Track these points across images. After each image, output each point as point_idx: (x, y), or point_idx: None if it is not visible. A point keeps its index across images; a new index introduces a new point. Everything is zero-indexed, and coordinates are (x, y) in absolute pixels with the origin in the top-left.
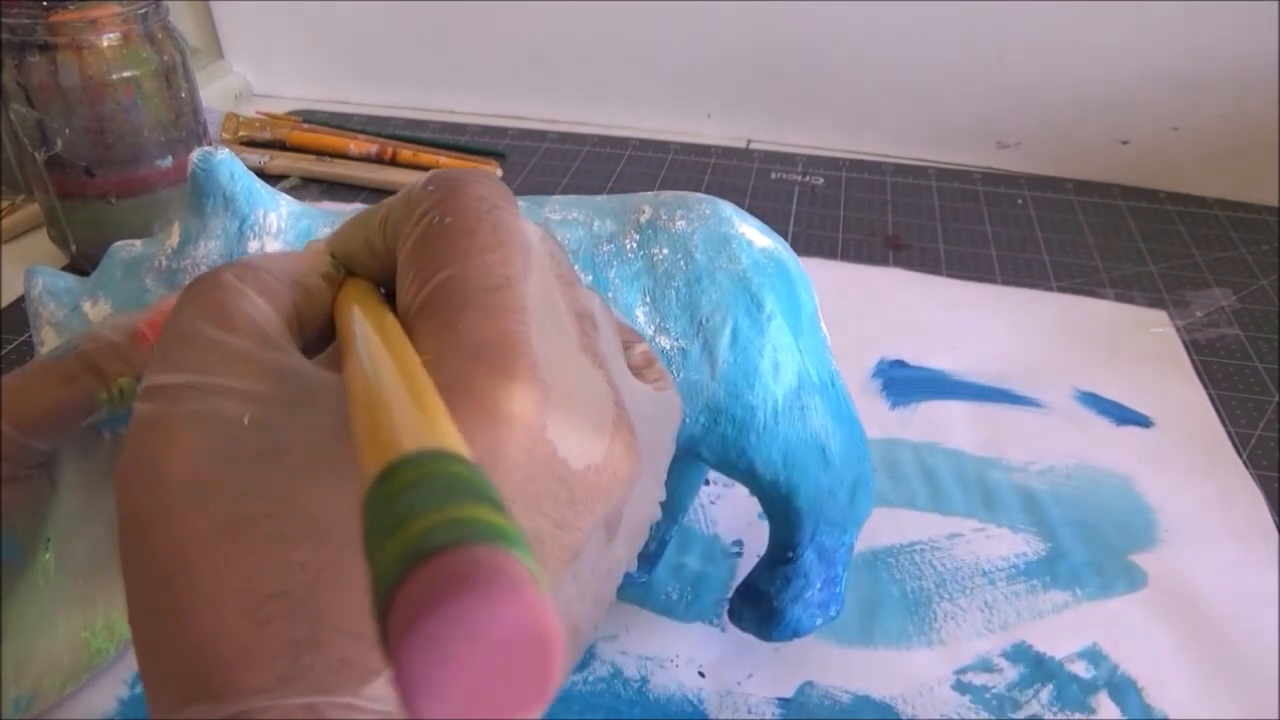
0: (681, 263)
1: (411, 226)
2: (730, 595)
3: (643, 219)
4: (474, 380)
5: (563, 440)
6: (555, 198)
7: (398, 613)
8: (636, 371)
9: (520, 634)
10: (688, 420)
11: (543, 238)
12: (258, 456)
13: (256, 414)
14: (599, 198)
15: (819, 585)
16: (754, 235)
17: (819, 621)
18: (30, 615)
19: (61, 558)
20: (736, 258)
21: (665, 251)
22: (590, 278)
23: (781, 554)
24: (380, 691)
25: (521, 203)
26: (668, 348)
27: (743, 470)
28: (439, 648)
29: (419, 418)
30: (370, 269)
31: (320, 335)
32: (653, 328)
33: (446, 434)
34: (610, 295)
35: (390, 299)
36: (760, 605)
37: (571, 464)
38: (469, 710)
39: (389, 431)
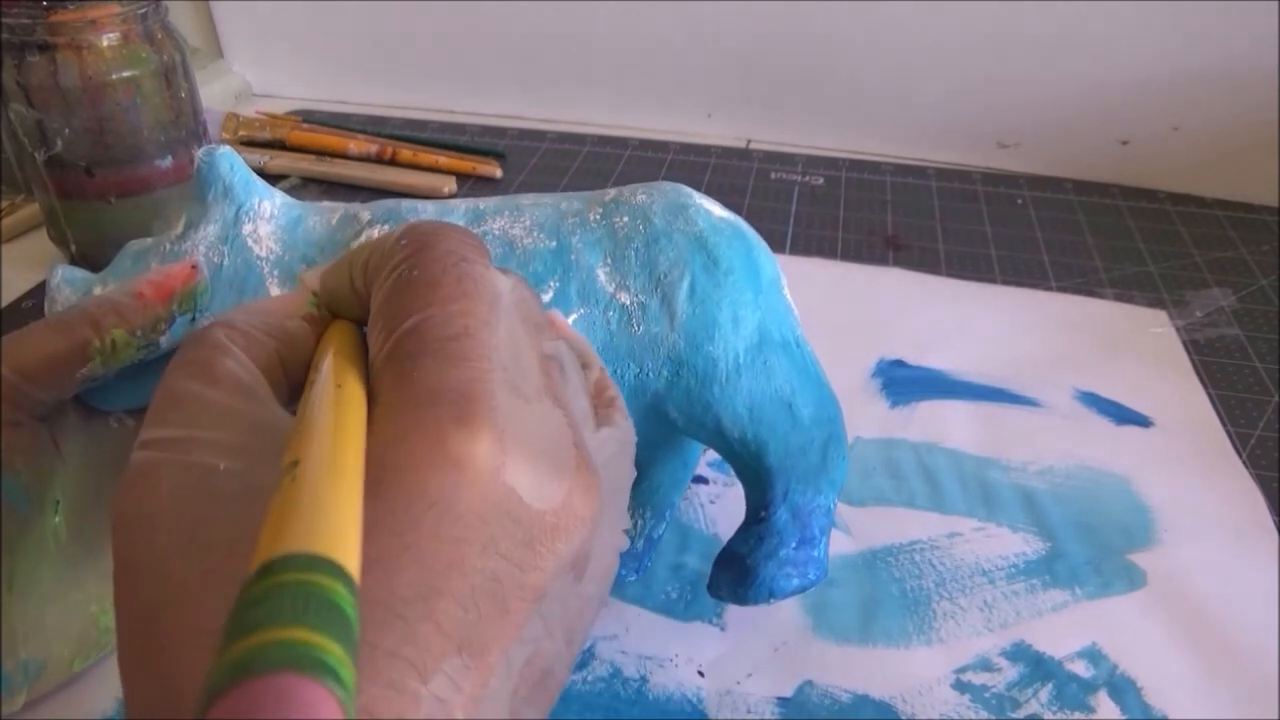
0: (640, 226)
1: (384, 278)
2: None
3: (606, 198)
4: (426, 425)
5: (520, 483)
6: (532, 194)
7: None
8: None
9: None
10: (651, 375)
11: (514, 287)
12: (230, 500)
13: (230, 462)
14: (574, 193)
15: (794, 545)
16: (712, 207)
17: (795, 583)
18: (42, 576)
19: (74, 530)
20: (693, 220)
21: (625, 219)
22: (555, 243)
23: (755, 515)
24: None
25: (495, 201)
26: (628, 303)
27: (710, 428)
28: None
29: (307, 515)
30: (353, 310)
31: (304, 377)
32: (613, 285)
33: (331, 536)
34: (573, 258)
35: None
36: (734, 567)
37: (531, 505)
38: None
39: (274, 527)
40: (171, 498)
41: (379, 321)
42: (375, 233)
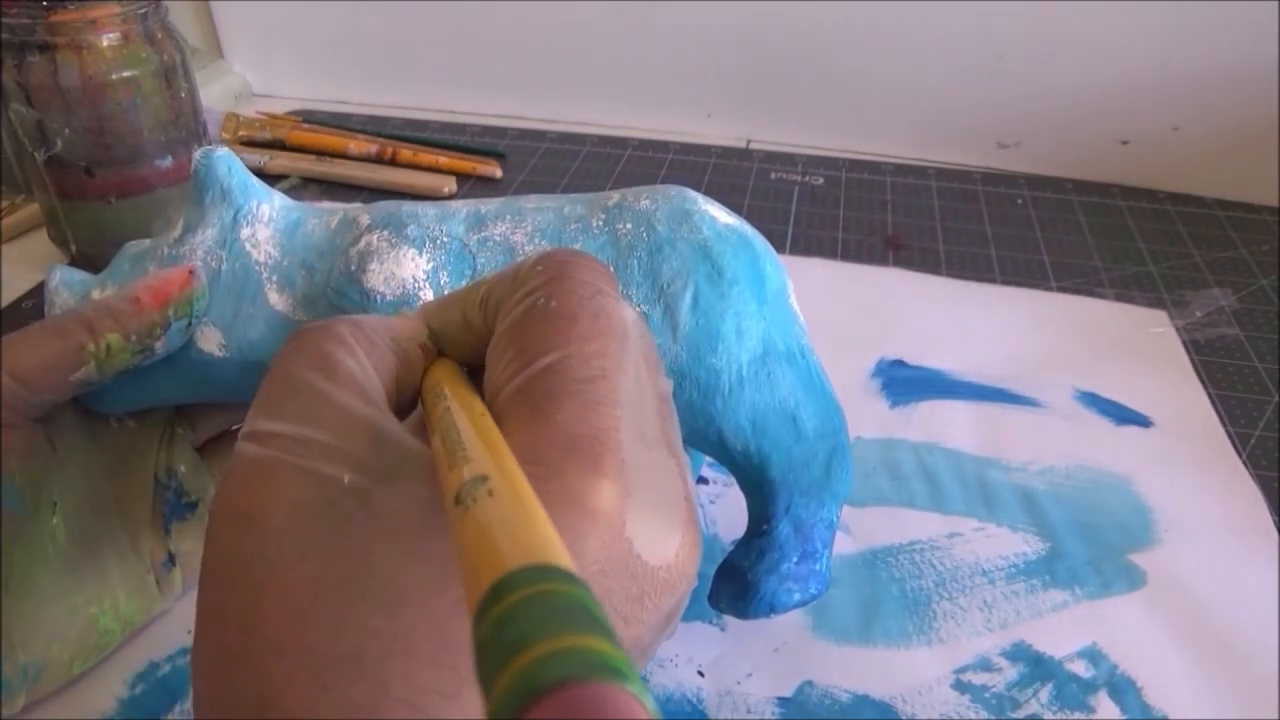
0: (644, 234)
1: (515, 304)
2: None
3: (610, 202)
4: (566, 472)
5: (638, 537)
6: (535, 195)
7: None
8: None
9: None
10: None
11: (636, 321)
12: (350, 519)
13: (354, 476)
14: (577, 195)
15: (795, 559)
16: (718, 213)
17: (796, 597)
18: (39, 578)
19: (71, 532)
20: (698, 228)
21: (629, 226)
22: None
23: (757, 528)
24: None
25: (497, 204)
26: None
27: (713, 440)
28: None
29: (527, 528)
30: (462, 347)
31: (411, 404)
32: None
33: (555, 546)
34: None
35: (475, 376)
36: (735, 580)
37: (644, 560)
38: None
39: (497, 542)
40: (289, 504)
41: (508, 349)
42: (374, 238)
